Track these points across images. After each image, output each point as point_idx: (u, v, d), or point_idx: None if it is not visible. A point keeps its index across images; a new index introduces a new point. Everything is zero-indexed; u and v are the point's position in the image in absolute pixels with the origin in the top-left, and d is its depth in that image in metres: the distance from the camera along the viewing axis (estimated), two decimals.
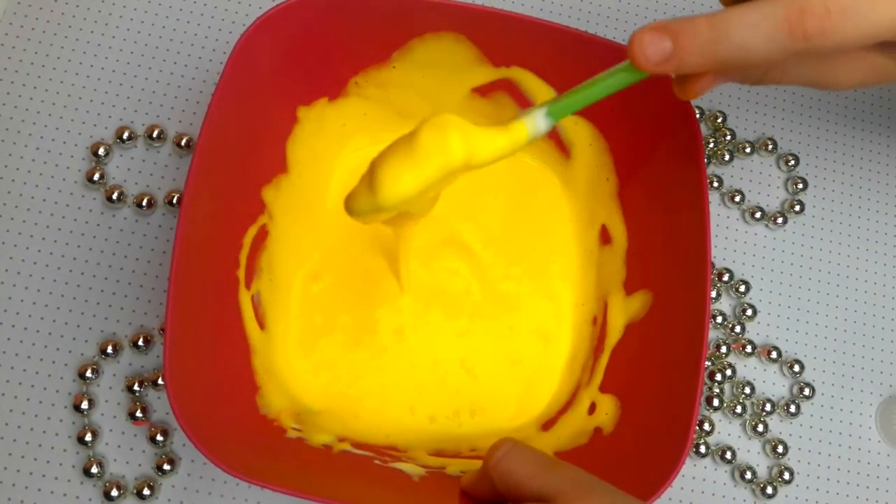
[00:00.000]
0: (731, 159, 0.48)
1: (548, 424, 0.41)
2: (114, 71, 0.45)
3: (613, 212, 0.43)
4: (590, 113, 0.42)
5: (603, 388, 0.40)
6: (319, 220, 0.43)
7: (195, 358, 0.35)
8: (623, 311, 0.41)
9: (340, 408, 0.40)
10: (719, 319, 0.45)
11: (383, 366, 0.41)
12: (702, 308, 0.36)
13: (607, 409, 0.39)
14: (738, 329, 0.45)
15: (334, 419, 0.40)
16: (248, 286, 0.39)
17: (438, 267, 0.43)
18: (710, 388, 0.44)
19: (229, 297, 0.38)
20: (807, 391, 0.45)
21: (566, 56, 0.39)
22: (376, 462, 0.38)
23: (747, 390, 0.44)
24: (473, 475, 0.33)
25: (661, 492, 0.33)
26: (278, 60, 0.39)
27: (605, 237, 0.43)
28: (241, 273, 0.39)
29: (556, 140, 0.44)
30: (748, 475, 0.43)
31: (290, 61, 0.39)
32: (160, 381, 0.40)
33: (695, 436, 0.40)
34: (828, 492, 0.44)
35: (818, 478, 0.44)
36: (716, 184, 0.48)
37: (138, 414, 0.39)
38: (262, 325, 0.40)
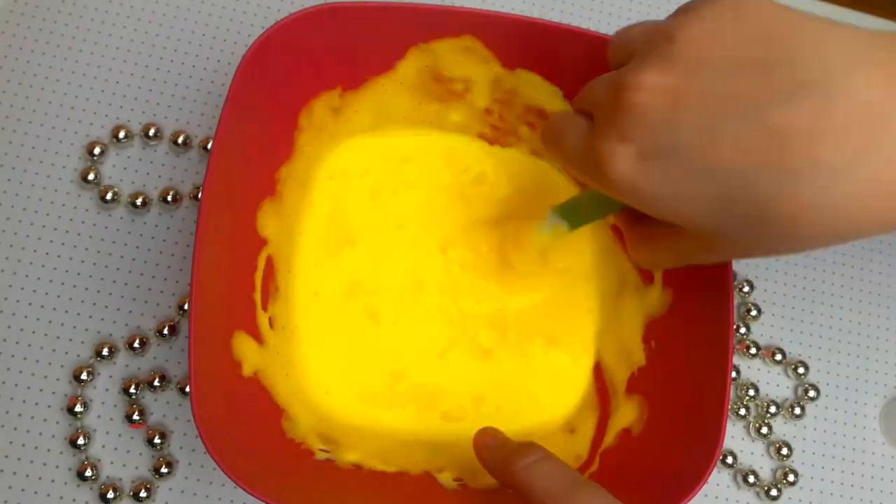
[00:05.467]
0: None
1: (573, 427, 0.41)
2: (111, 69, 0.44)
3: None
4: None
5: (629, 389, 0.40)
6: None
7: (220, 387, 0.34)
8: (640, 308, 0.41)
9: (365, 416, 0.40)
10: None
11: (401, 373, 0.41)
12: (725, 303, 0.35)
13: (633, 409, 0.39)
14: (742, 330, 0.45)
15: (361, 433, 0.39)
16: (264, 308, 0.39)
17: (456, 271, 0.42)
18: None
19: (248, 319, 0.38)
20: (811, 393, 0.44)
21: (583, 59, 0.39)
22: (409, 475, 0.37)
23: (751, 392, 0.44)
24: (492, 448, 0.33)
25: (692, 495, 0.33)
26: (287, 71, 0.38)
27: (619, 234, 0.43)
28: (258, 295, 0.38)
29: None
30: (751, 479, 0.42)
31: (299, 72, 0.39)
32: (156, 384, 0.40)
33: None
34: (832, 494, 0.44)
35: (822, 480, 0.44)
36: None
37: (135, 417, 0.39)
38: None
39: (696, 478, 0.33)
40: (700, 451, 0.34)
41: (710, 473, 0.33)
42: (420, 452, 0.39)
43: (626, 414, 0.39)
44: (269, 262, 0.39)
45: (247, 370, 0.36)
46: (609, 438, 0.39)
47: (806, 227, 0.22)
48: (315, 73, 0.39)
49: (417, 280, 0.42)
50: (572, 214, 0.36)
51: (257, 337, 0.38)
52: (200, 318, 0.33)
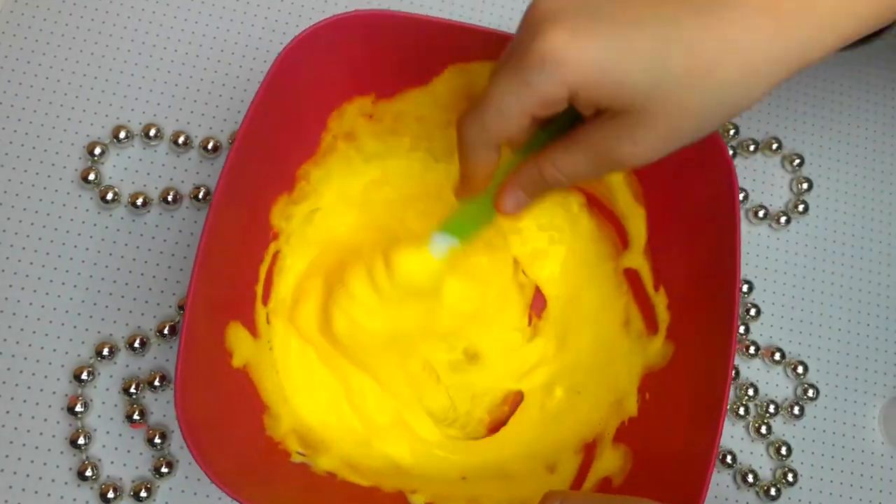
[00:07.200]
0: (734, 157, 0.48)
1: (553, 466, 0.40)
2: (111, 69, 0.44)
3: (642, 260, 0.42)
4: None
5: (616, 438, 0.39)
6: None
7: (206, 372, 0.34)
8: (639, 358, 0.40)
9: (345, 428, 0.39)
10: None
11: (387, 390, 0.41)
12: (725, 364, 0.34)
13: (617, 459, 0.38)
14: (741, 330, 0.45)
15: (340, 441, 0.39)
16: (265, 302, 0.38)
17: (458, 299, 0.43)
18: None
19: (245, 311, 0.37)
20: (811, 393, 0.44)
21: None
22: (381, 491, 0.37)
23: (751, 392, 0.44)
24: None
25: None
26: (323, 72, 0.38)
27: (630, 278, 0.43)
28: (260, 288, 0.38)
29: None
30: (750, 478, 0.42)
31: (335, 74, 0.38)
32: (157, 383, 0.40)
33: None
34: (831, 494, 0.44)
35: (822, 479, 0.44)
36: None
37: (136, 416, 0.39)
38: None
39: None
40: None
41: None
42: (394, 473, 0.39)
43: (609, 462, 0.38)
44: (276, 257, 0.39)
45: (237, 361, 0.36)
46: (589, 484, 0.38)
47: (724, 71, 0.25)
48: (352, 76, 0.39)
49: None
50: (457, 226, 0.35)
51: (252, 330, 0.37)
52: (197, 301, 0.32)
